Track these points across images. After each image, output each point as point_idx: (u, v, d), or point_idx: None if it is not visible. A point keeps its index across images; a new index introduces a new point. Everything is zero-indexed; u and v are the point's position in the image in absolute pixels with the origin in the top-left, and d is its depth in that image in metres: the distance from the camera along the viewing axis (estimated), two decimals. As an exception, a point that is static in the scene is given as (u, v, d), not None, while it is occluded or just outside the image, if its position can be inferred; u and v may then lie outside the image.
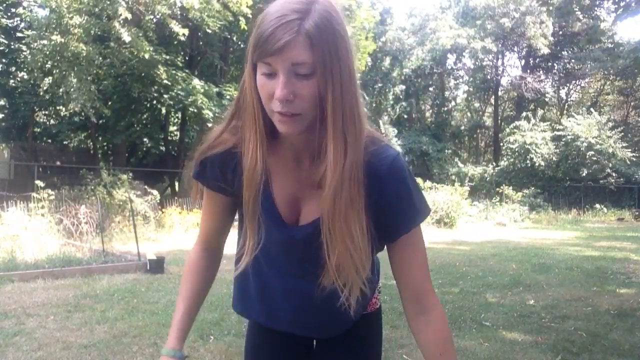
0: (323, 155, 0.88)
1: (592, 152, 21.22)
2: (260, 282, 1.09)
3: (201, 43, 16.04)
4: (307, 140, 0.91)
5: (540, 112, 27.16)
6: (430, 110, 31.64)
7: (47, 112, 18.12)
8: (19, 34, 13.26)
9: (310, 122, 0.87)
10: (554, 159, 22.59)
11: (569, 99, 32.42)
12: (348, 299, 0.95)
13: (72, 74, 10.94)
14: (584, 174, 21.52)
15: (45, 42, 10.65)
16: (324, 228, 0.90)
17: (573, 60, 28.17)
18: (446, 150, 27.63)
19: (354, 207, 0.88)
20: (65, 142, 17.83)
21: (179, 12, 11.81)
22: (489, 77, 29.99)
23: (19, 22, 14.75)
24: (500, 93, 30.99)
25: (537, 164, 22.57)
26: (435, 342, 0.98)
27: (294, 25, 0.79)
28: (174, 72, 12.97)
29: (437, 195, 14.66)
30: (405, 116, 28.66)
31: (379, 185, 0.92)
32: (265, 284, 1.08)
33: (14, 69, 15.11)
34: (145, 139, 16.62)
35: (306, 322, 1.09)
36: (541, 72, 29.35)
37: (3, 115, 16.15)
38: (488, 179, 24.19)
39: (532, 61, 29.70)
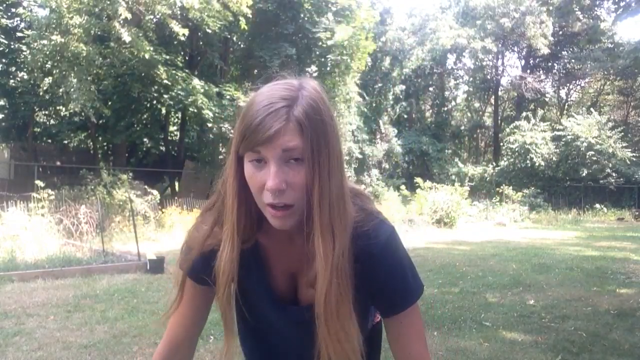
0: (311, 249, 0.86)
1: (592, 152, 21.22)
2: None
3: (201, 43, 16.03)
4: (299, 223, 0.87)
5: (540, 112, 27.20)
6: (430, 110, 31.65)
7: (47, 112, 18.11)
8: (19, 34, 13.25)
9: (301, 216, 0.84)
10: (554, 159, 22.60)
11: (569, 99, 32.44)
12: None
13: (72, 74, 10.94)
14: (584, 174, 21.52)
15: (45, 42, 10.64)
16: (319, 325, 0.88)
17: (573, 60, 28.19)
18: (446, 150, 27.66)
19: (344, 302, 0.86)
20: (65, 142, 17.83)
21: (179, 12, 11.81)
22: (489, 77, 30.02)
23: (19, 22, 14.75)
24: (500, 93, 31.01)
25: (537, 164, 22.58)
26: None
27: (283, 112, 0.79)
28: (174, 72, 12.96)
29: (437, 195, 14.65)
30: (405, 116, 28.67)
31: (372, 267, 0.90)
32: None
33: (14, 69, 15.10)
34: (145, 139, 16.60)
35: None
36: (541, 72, 29.36)
37: (3, 115, 16.14)
38: (488, 179, 24.20)
39: (532, 61, 29.71)
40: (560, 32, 27.76)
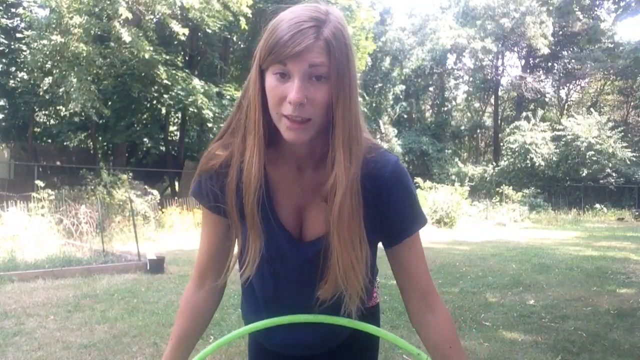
0: (329, 164, 0.90)
1: (592, 152, 21.22)
2: (262, 300, 1.07)
3: (201, 43, 16.04)
4: (310, 148, 0.93)
5: (540, 112, 27.19)
6: (430, 110, 31.66)
7: (47, 112, 18.12)
8: (18, 34, 13.26)
9: (317, 132, 0.88)
10: (554, 159, 22.60)
11: (569, 99, 32.43)
12: (349, 307, 0.96)
13: (72, 74, 10.94)
14: (584, 174, 21.53)
15: (45, 42, 10.65)
16: (331, 239, 0.91)
17: (573, 60, 28.18)
18: (446, 150, 27.65)
19: (354, 217, 0.90)
20: (65, 142, 17.83)
21: (179, 12, 11.82)
22: (489, 77, 30.02)
23: (19, 22, 14.75)
24: (500, 93, 31.00)
25: (537, 164, 22.58)
26: (443, 337, 0.99)
27: (312, 31, 0.83)
28: (174, 72, 12.97)
29: (437, 195, 14.65)
30: (405, 116, 28.67)
31: (383, 192, 0.94)
32: (270, 308, 1.06)
33: (14, 69, 15.10)
34: (145, 139, 16.60)
35: (306, 338, 1.07)
36: (541, 72, 29.35)
37: (3, 115, 16.16)
38: (488, 179, 24.20)
39: (532, 61, 29.71)
40: (560, 32, 27.76)
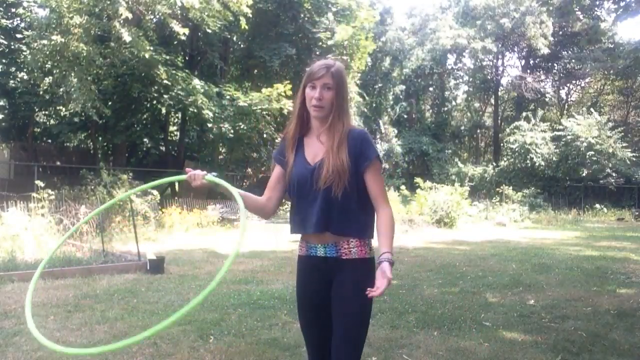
0: (330, 125, 1.92)
1: (592, 152, 21.22)
2: (298, 205, 1.97)
3: (201, 43, 16.03)
4: (324, 127, 1.92)
5: (540, 112, 27.19)
6: (430, 110, 31.67)
7: (47, 112, 18.12)
8: (18, 34, 13.26)
9: (327, 114, 1.90)
10: (554, 159, 22.61)
11: (569, 99, 32.44)
12: (337, 192, 1.85)
13: (72, 74, 10.94)
14: (584, 174, 21.53)
15: (45, 42, 10.65)
16: (330, 156, 1.88)
17: (573, 60, 28.19)
18: (446, 150, 27.67)
19: (342, 147, 1.88)
20: (65, 142, 17.82)
21: (179, 12, 11.82)
22: (489, 77, 30.03)
23: (19, 22, 14.76)
24: (500, 93, 31.01)
25: (537, 164, 22.59)
26: (379, 228, 1.90)
27: (326, 69, 1.88)
28: (174, 72, 12.96)
29: (437, 195, 14.63)
30: (405, 116, 28.68)
31: (356, 141, 1.90)
32: (301, 204, 1.95)
33: (14, 69, 15.10)
34: (145, 139, 16.59)
35: (323, 217, 1.89)
36: (541, 72, 29.37)
37: (3, 115, 16.16)
38: (488, 179, 24.20)
39: (532, 61, 29.72)
40: (560, 32, 27.77)
